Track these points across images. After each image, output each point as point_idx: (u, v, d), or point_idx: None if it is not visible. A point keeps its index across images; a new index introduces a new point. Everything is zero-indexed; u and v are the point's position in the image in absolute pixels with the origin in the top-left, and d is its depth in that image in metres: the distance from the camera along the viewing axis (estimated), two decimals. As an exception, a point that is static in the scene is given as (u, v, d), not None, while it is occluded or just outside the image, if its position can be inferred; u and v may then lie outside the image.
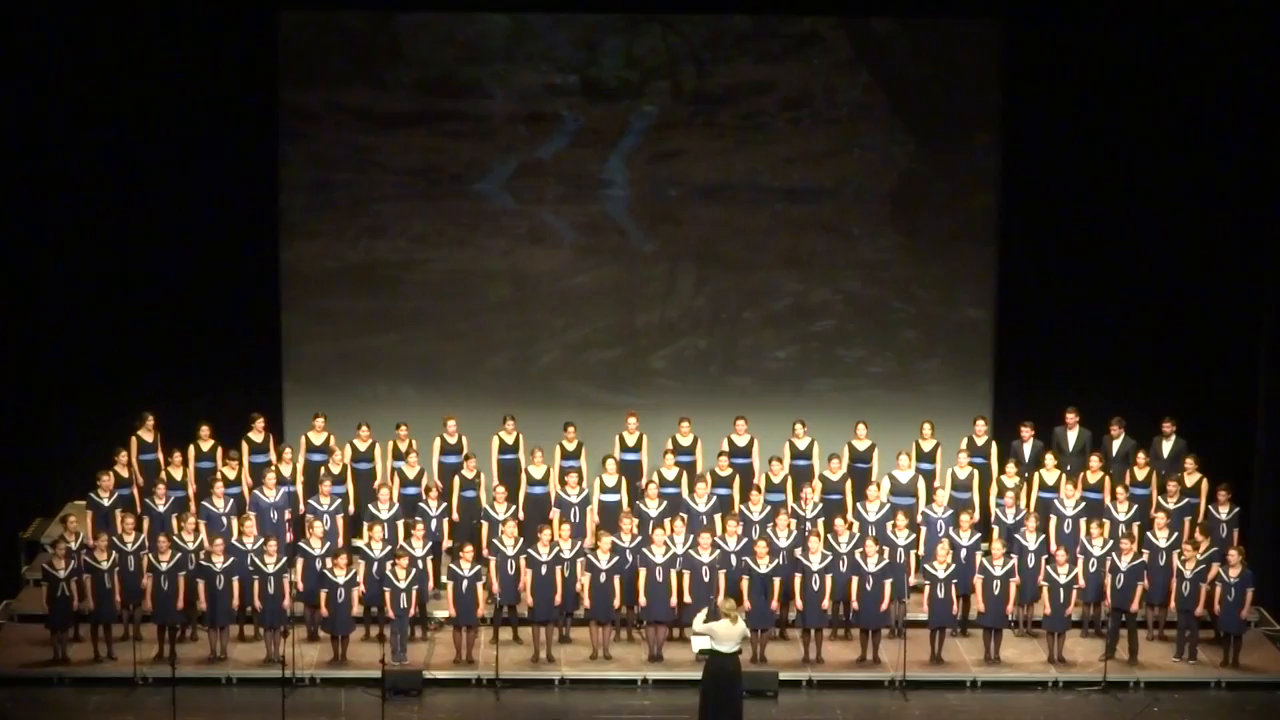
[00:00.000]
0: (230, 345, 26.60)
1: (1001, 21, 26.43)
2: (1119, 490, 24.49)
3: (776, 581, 23.34)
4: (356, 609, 23.29)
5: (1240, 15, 25.50)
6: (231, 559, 23.16)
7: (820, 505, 24.55)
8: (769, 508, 24.32)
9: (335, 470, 24.92)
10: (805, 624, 23.49)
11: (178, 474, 24.81)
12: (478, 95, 26.70)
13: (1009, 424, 26.00)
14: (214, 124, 26.09)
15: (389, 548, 23.48)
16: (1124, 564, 23.43)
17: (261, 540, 23.29)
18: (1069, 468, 25.04)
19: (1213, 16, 25.62)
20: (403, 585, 23.08)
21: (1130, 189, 26.28)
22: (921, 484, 24.95)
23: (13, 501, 25.29)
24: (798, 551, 23.47)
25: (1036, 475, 24.92)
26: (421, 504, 24.37)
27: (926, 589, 23.42)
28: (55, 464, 26.60)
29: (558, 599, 23.36)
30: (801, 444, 25.48)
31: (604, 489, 24.85)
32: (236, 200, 26.38)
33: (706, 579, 23.37)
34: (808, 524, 24.16)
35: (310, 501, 24.59)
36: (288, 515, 24.48)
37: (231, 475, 24.76)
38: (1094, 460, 24.89)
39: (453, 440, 25.36)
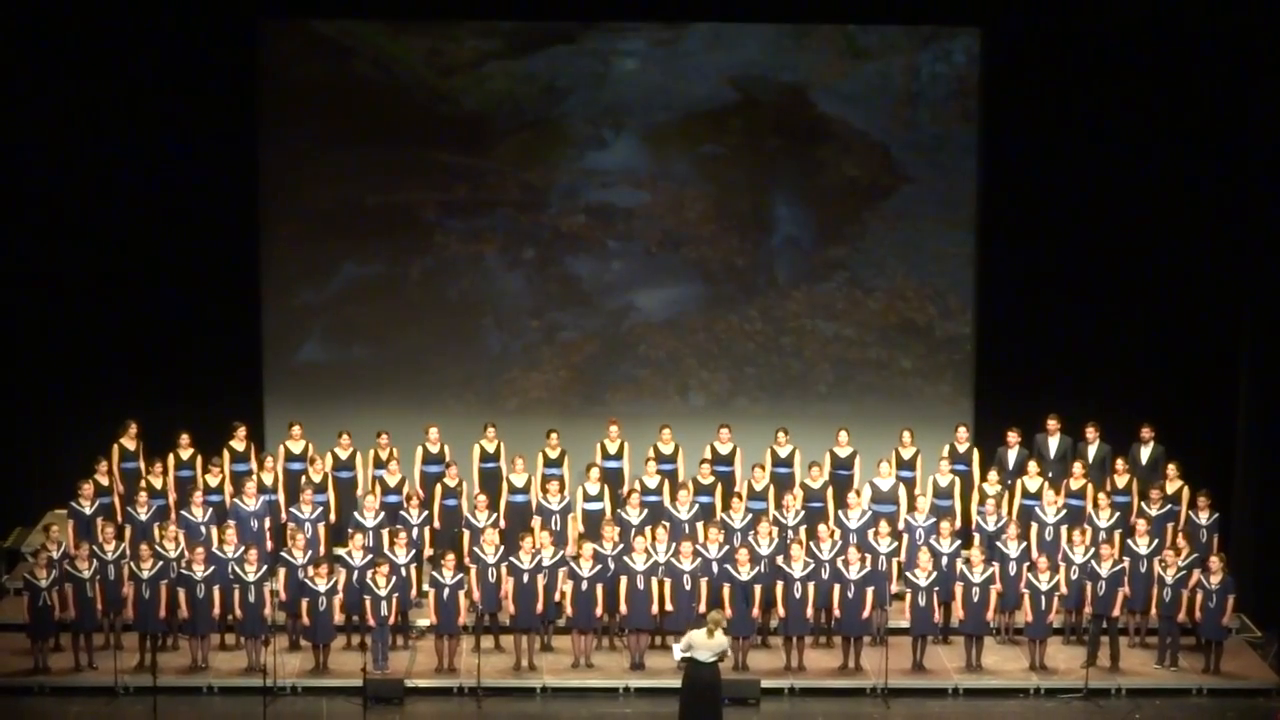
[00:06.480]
0: (211, 353, 26.56)
1: (980, 31, 26.49)
2: (1100, 497, 24.52)
3: (758, 589, 23.34)
4: (338, 618, 23.25)
5: (1220, 21, 25.53)
6: (212, 568, 23.12)
7: (802, 513, 24.57)
8: (751, 515, 24.33)
9: (316, 479, 24.90)
10: (787, 631, 23.49)
11: (157, 483, 24.78)
12: (458, 106, 26.70)
13: (990, 431, 26.04)
14: (195, 133, 26.06)
15: (370, 556, 23.45)
16: (1104, 571, 23.46)
17: (242, 549, 23.27)
18: (1051, 475, 25.07)
19: (1191, 23, 25.66)
20: (383, 593, 23.05)
21: (1110, 196, 26.32)
22: (903, 492, 24.97)
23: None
24: (779, 559, 23.49)
25: (1019, 483, 24.95)
26: (403, 512, 24.36)
27: (908, 597, 23.43)
28: (35, 473, 26.54)
29: (539, 607, 23.34)
30: (783, 451, 25.50)
31: (587, 497, 24.83)
32: (217, 209, 26.35)
33: (688, 587, 23.38)
34: (789, 532, 24.17)
35: (292, 510, 24.58)
36: (268, 524, 24.45)
37: (213, 483, 24.76)
38: (1076, 467, 24.92)
39: (434, 449, 25.35)
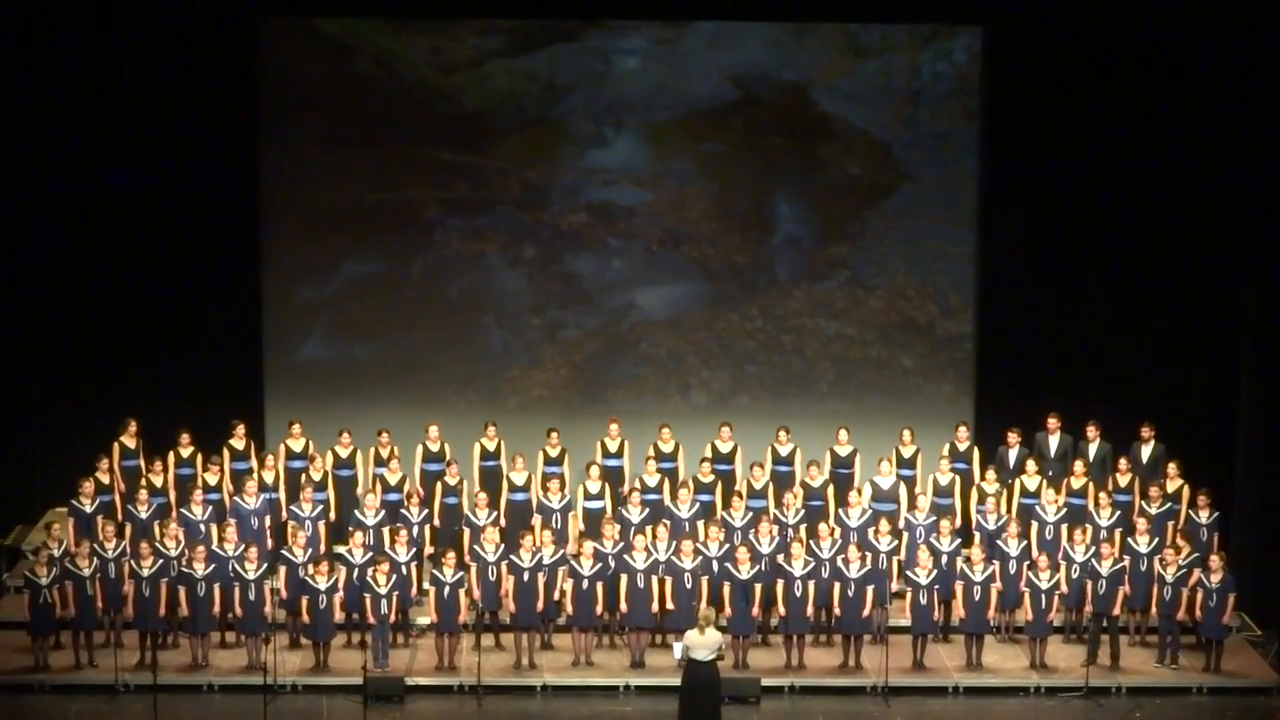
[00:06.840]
0: (211, 352, 26.57)
1: (981, 29, 26.49)
2: (1101, 496, 24.52)
3: (758, 588, 23.34)
4: (338, 616, 23.25)
5: (1220, 19, 25.54)
6: (213, 566, 23.14)
7: (802, 511, 24.57)
8: (751, 514, 24.33)
9: (316, 477, 24.91)
10: (787, 630, 23.49)
11: (158, 481, 24.79)
12: (459, 104, 26.72)
13: (991, 430, 26.04)
14: (195, 132, 26.07)
15: (370, 554, 23.46)
16: (1104, 569, 23.46)
17: (242, 547, 23.28)
18: (1050, 473, 25.07)
19: (1190, 23, 25.66)
20: (383, 591, 23.06)
21: (1111, 195, 26.33)
22: (903, 490, 24.97)
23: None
24: (780, 557, 23.49)
25: (1018, 481, 24.95)
26: (403, 510, 24.37)
27: (908, 595, 23.43)
28: (36, 470, 26.56)
29: (539, 605, 23.35)
30: (784, 450, 25.50)
31: (588, 495, 24.84)
32: (218, 207, 26.37)
33: (688, 585, 23.38)
34: (790, 530, 24.17)
35: (292, 508, 24.60)
36: (269, 522, 24.46)
37: (213, 482, 24.78)
38: (1078, 465, 24.92)
39: (435, 447, 25.36)
